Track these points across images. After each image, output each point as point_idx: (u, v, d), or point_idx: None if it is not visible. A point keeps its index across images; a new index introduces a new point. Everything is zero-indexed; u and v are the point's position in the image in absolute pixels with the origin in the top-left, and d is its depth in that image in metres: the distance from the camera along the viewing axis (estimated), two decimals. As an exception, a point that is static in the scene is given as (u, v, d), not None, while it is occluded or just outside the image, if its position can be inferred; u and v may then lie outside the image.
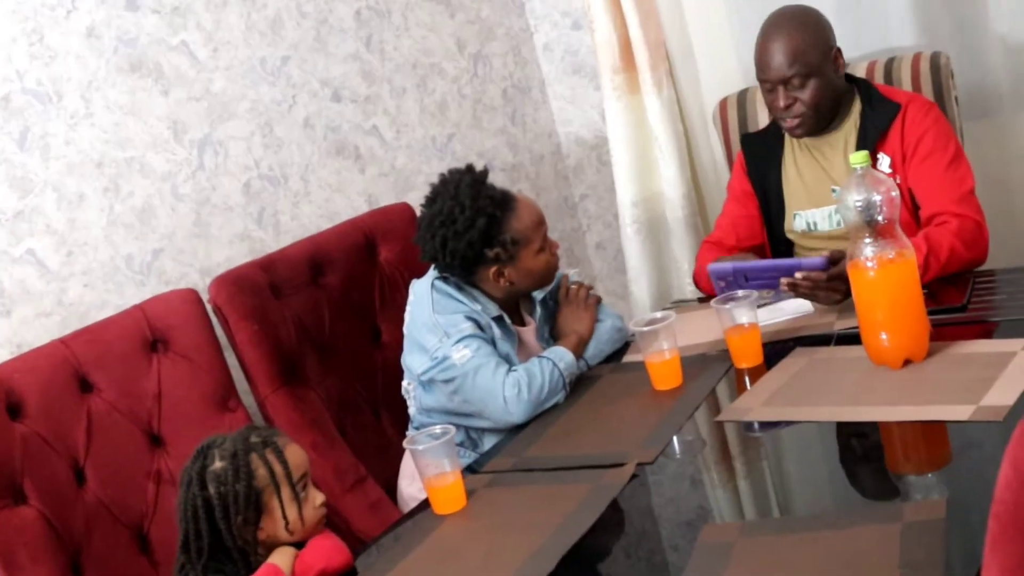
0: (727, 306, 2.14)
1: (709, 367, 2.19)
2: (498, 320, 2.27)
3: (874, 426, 1.82)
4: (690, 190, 3.30)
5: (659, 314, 2.20)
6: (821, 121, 2.46)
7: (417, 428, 2.31)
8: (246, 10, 2.78)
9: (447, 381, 2.20)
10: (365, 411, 2.62)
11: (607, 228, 3.69)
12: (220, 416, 2.36)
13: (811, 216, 2.54)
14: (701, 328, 2.36)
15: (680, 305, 2.76)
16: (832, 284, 2.21)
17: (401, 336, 2.35)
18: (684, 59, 3.30)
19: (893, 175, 2.41)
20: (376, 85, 3.09)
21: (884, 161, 2.43)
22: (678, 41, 3.28)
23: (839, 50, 2.46)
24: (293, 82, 2.88)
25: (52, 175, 2.40)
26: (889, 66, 2.75)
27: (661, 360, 2.13)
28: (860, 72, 2.71)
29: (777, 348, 2.18)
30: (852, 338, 2.07)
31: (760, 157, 2.63)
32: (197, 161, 2.65)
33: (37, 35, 2.40)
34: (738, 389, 2.09)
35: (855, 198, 1.88)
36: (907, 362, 1.94)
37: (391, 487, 2.44)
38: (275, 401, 2.43)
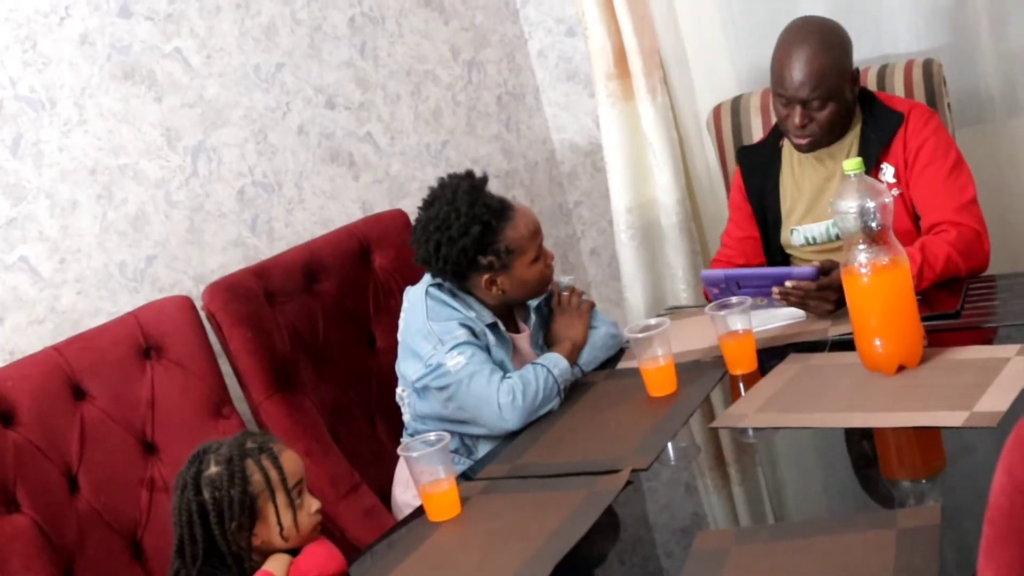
0: (721, 313, 2.14)
1: (703, 373, 2.19)
2: (492, 327, 2.27)
3: (868, 432, 1.82)
4: (684, 196, 3.30)
5: (653, 320, 2.20)
6: (831, 139, 2.45)
7: (411, 435, 2.30)
8: (240, 17, 2.78)
9: (441, 388, 2.20)
10: (359, 418, 2.62)
11: (601, 234, 3.69)
12: (214, 423, 2.35)
13: (809, 231, 2.53)
14: (695, 335, 2.36)
15: (674, 311, 2.76)
16: (822, 294, 2.21)
17: (395, 343, 2.35)
18: (678, 66, 3.30)
19: (897, 185, 2.41)
20: (370, 92, 3.09)
21: (888, 171, 2.42)
22: (672, 48, 3.29)
23: (858, 70, 2.45)
24: (287, 89, 2.88)
25: (45, 182, 2.40)
26: (882, 73, 2.76)
27: (655, 367, 2.13)
28: (853, 79, 2.71)
29: (771, 354, 2.18)
30: (846, 344, 2.07)
31: (757, 171, 2.62)
32: (191, 168, 2.65)
33: (30, 42, 2.39)
34: (732, 395, 2.09)
35: (849, 204, 1.88)
36: (901, 368, 1.94)
37: (385, 494, 2.43)
38: (269, 408, 2.43)
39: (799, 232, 2.54)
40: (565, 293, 2.40)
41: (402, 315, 2.33)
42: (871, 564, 1.41)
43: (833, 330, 2.21)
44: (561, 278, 2.45)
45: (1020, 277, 2.32)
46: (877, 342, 1.93)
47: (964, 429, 1.70)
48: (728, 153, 2.97)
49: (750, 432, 1.94)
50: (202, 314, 2.44)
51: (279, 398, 2.44)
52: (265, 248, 2.77)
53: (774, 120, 2.74)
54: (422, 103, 3.25)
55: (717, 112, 3.00)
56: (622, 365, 2.37)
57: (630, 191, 3.31)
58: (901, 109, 2.45)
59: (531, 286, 2.31)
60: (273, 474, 1.82)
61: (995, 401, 1.74)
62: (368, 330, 2.71)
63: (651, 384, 2.15)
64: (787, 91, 2.39)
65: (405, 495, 2.33)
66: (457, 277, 2.26)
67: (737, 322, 2.13)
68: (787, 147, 2.56)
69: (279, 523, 1.81)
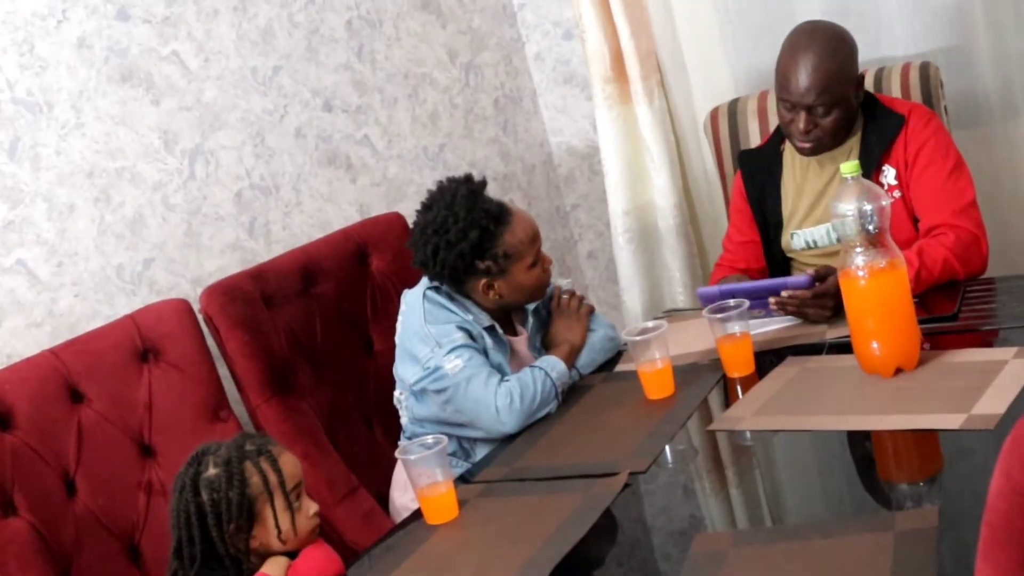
0: (719, 315, 2.14)
1: (701, 376, 2.19)
2: (490, 330, 2.27)
3: (866, 435, 1.82)
4: (681, 199, 3.30)
5: (651, 323, 2.20)
6: (834, 143, 2.45)
7: (409, 438, 2.30)
8: (237, 20, 2.78)
9: (439, 391, 2.20)
10: (357, 421, 2.62)
11: (599, 237, 3.69)
12: (211, 426, 2.35)
13: (810, 234, 2.53)
14: (693, 337, 2.36)
15: (672, 314, 2.76)
16: (818, 301, 2.22)
17: (393, 346, 2.35)
18: (675, 69, 3.31)
19: (898, 187, 2.41)
20: (367, 95, 3.09)
21: (889, 173, 2.42)
22: (669, 51, 3.29)
23: (863, 76, 2.45)
24: (284, 92, 2.88)
25: (42, 185, 2.39)
26: (879, 75, 2.76)
27: (653, 369, 2.13)
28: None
29: (769, 357, 2.18)
30: (843, 347, 2.07)
31: (758, 174, 2.62)
32: (188, 171, 2.65)
33: (27, 45, 2.39)
34: (730, 398, 2.10)
35: (846, 207, 1.88)
36: (898, 371, 1.94)
37: (383, 497, 2.43)
38: (266, 411, 2.42)
39: (800, 236, 2.54)
40: (565, 296, 2.40)
41: (400, 318, 2.33)
42: (869, 566, 1.41)
43: (831, 333, 2.21)
44: (559, 281, 2.45)
45: (1018, 280, 2.32)
46: (875, 345, 1.93)
47: (962, 431, 1.70)
48: (725, 156, 2.97)
49: (748, 435, 1.94)
50: (199, 317, 2.44)
51: (277, 401, 2.44)
52: (262, 251, 2.77)
53: (771, 123, 2.75)
54: (419, 106, 3.25)
55: (714, 115, 3.00)
56: (620, 368, 2.37)
57: (627, 194, 3.31)
58: (902, 111, 2.45)
59: (529, 291, 2.30)
60: (272, 477, 1.82)
61: (993, 404, 1.74)
62: (366, 333, 2.71)
63: (649, 387, 2.15)
64: (792, 96, 2.39)
65: (403, 498, 2.32)
66: (455, 281, 2.26)
67: (735, 325, 2.13)
68: (788, 150, 2.56)
69: (277, 526, 1.81)
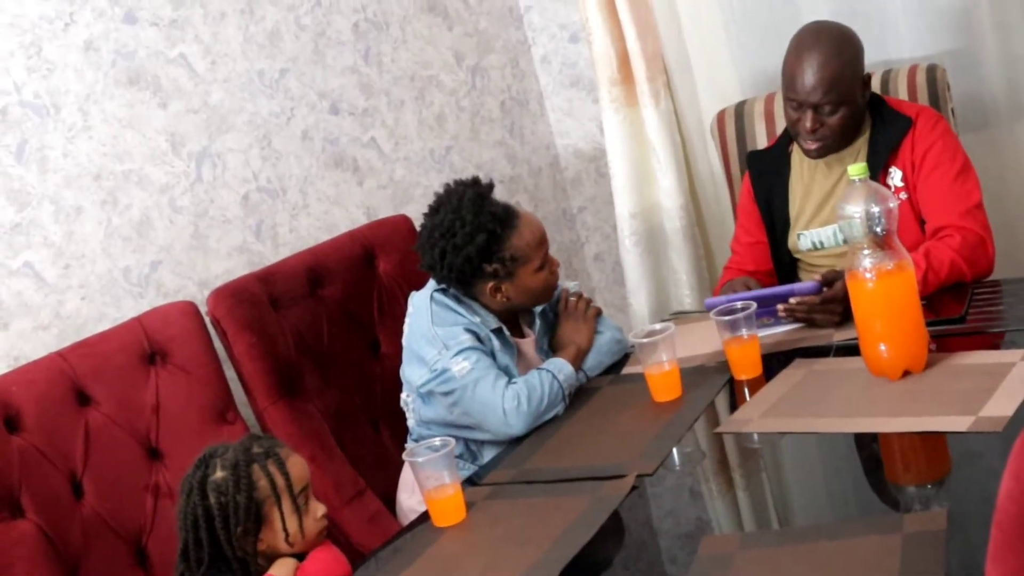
0: (726, 318, 2.13)
1: (708, 379, 2.19)
2: (497, 332, 2.27)
3: (874, 437, 1.82)
4: (688, 202, 3.30)
5: (658, 326, 2.20)
6: (841, 144, 2.45)
7: (416, 440, 2.30)
8: (244, 23, 2.78)
9: (446, 393, 2.20)
10: (364, 423, 2.62)
11: (605, 240, 3.69)
12: (218, 429, 2.35)
13: (817, 235, 2.53)
14: (700, 340, 2.36)
15: (679, 317, 2.76)
16: (827, 306, 2.22)
17: (400, 348, 2.35)
18: (682, 71, 3.30)
19: (905, 189, 2.41)
20: (374, 97, 3.10)
21: (896, 175, 2.42)
22: (676, 53, 3.29)
23: (869, 76, 2.45)
24: (291, 94, 2.88)
25: (50, 188, 2.40)
26: (886, 78, 2.76)
27: (660, 372, 2.13)
28: (857, 84, 2.71)
29: (776, 359, 2.18)
30: (851, 349, 2.06)
31: (766, 175, 2.62)
32: (195, 173, 2.65)
33: (35, 48, 2.40)
34: (737, 401, 2.09)
35: (854, 209, 1.88)
36: (906, 373, 1.93)
37: (390, 499, 2.43)
38: (273, 413, 2.43)
39: (806, 236, 2.54)
40: (572, 298, 2.40)
41: (407, 320, 2.33)
42: (876, 569, 1.40)
43: (838, 335, 2.21)
44: (566, 283, 2.45)
45: (1025, 282, 2.33)
46: (882, 347, 1.93)
47: (970, 434, 1.69)
48: (732, 158, 2.97)
49: (755, 437, 1.93)
50: (207, 319, 2.44)
51: (283, 404, 2.44)
52: (269, 253, 2.77)
53: (778, 125, 2.75)
54: (426, 109, 3.25)
55: (721, 117, 3.00)
56: (627, 370, 2.37)
57: (634, 196, 3.31)
58: (909, 113, 2.45)
59: (536, 294, 2.30)
60: (279, 480, 1.82)
61: (1001, 406, 1.73)
62: (372, 335, 2.71)
63: (656, 389, 2.14)
64: (799, 95, 2.39)
65: (410, 500, 2.32)
66: (462, 284, 2.26)
67: (742, 327, 2.13)
68: (796, 151, 2.56)
69: (284, 529, 1.81)
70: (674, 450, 1.95)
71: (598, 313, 2.41)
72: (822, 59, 2.36)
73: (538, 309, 2.39)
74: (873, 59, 2.86)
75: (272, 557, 1.83)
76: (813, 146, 2.43)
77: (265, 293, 2.51)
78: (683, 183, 3.28)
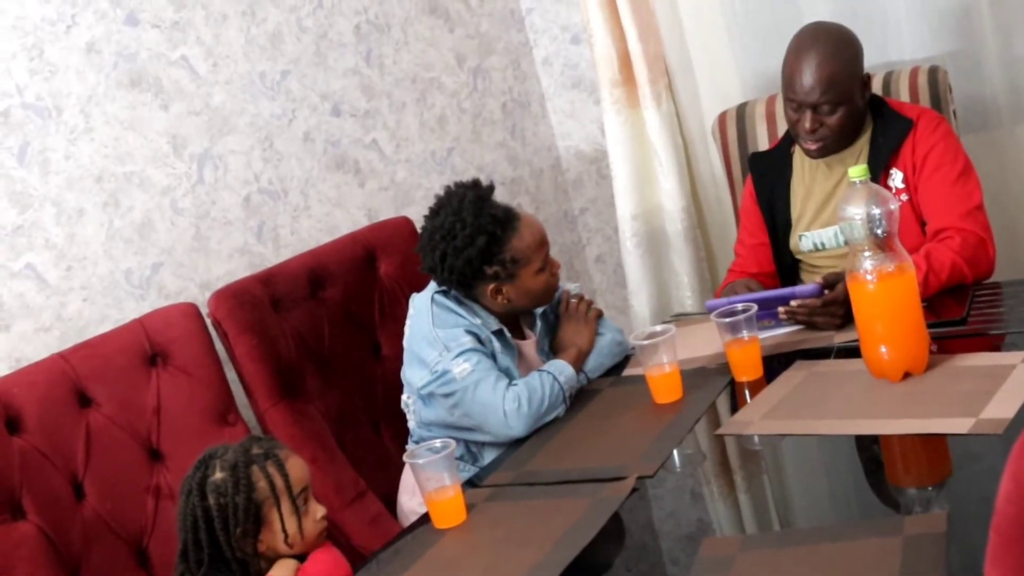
0: (727, 320, 2.13)
1: (709, 380, 2.19)
2: (498, 334, 2.27)
3: (874, 439, 1.82)
4: (689, 203, 3.30)
5: (659, 327, 2.20)
6: (842, 144, 2.45)
7: (417, 442, 2.30)
8: (246, 25, 2.79)
9: (447, 395, 2.20)
10: (365, 425, 2.62)
11: (607, 242, 3.69)
12: (219, 430, 2.35)
13: (818, 236, 2.53)
14: (701, 341, 2.36)
15: (680, 318, 2.76)
16: (828, 309, 2.22)
17: (401, 350, 2.35)
18: (683, 73, 3.30)
19: (906, 191, 2.41)
20: (376, 99, 3.10)
21: (897, 177, 2.42)
22: (677, 55, 3.29)
23: (869, 76, 2.45)
24: (293, 96, 2.88)
25: (52, 190, 2.40)
26: (887, 79, 2.76)
27: (661, 373, 2.13)
28: (858, 86, 2.71)
29: (777, 361, 2.18)
30: (852, 351, 2.06)
31: (768, 176, 2.62)
32: (197, 175, 2.65)
33: (37, 50, 2.40)
34: (738, 402, 2.09)
35: (854, 211, 1.88)
36: (907, 375, 1.93)
37: (391, 501, 2.43)
38: (274, 415, 2.43)
39: (808, 238, 2.54)
40: (573, 300, 2.40)
41: (408, 322, 2.33)
42: (877, 571, 1.40)
43: (839, 337, 2.21)
44: (567, 285, 2.45)
45: (1027, 284, 2.33)
46: (883, 349, 1.93)
47: (970, 436, 1.69)
48: (733, 160, 2.97)
49: (756, 439, 1.93)
50: (208, 321, 2.44)
51: (285, 405, 2.44)
52: (271, 255, 2.77)
53: (780, 127, 2.75)
54: (427, 110, 3.25)
55: (722, 119, 3.00)
56: (628, 372, 2.37)
57: (635, 198, 3.31)
58: (910, 115, 2.45)
59: (537, 295, 2.30)
60: (278, 481, 1.82)
61: (1001, 408, 1.73)
62: (374, 337, 2.71)
63: (657, 391, 2.14)
64: (798, 95, 2.39)
65: (411, 502, 2.33)
66: (463, 286, 2.26)
67: (743, 329, 2.13)
68: (798, 153, 2.57)
69: (283, 530, 1.82)
70: (675, 452, 1.95)
71: (599, 315, 2.41)
72: (820, 59, 2.36)
73: (539, 311, 2.39)
74: (875, 61, 2.87)
75: (272, 558, 1.84)
76: (813, 146, 2.44)
77: (266, 295, 2.52)
78: (684, 185, 3.28)
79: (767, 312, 2.26)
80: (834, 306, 2.21)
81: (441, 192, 2.31)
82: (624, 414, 2.15)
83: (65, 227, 2.42)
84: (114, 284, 2.48)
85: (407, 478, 2.37)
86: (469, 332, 2.22)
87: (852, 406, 1.91)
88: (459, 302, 2.28)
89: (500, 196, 2.33)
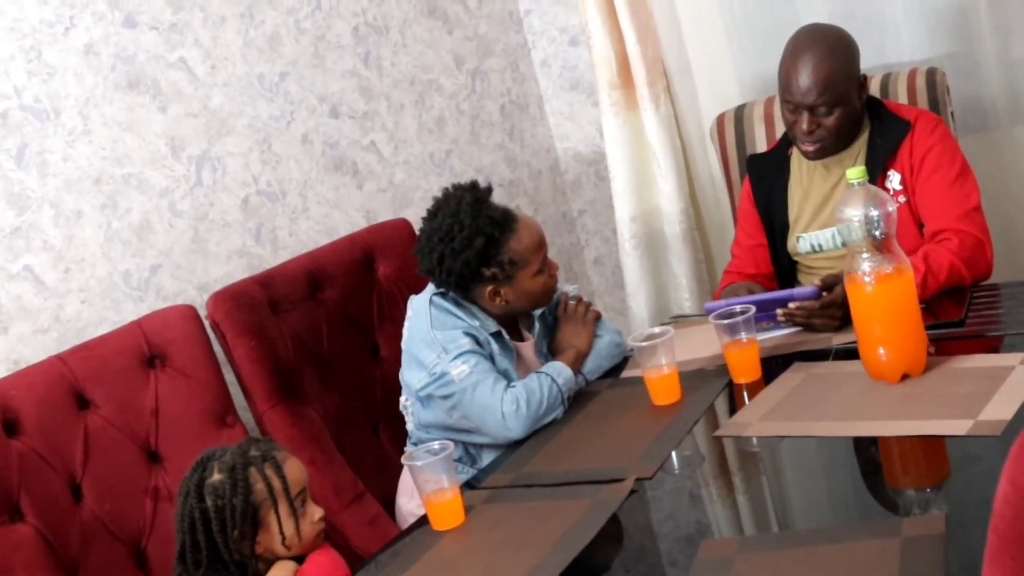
0: (725, 321, 2.13)
1: (707, 382, 2.19)
2: (496, 336, 2.27)
3: (873, 441, 1.82)
4: (688, 205, 3.30)
5: (657, 329, 2.20)
6: (839, 146, 2.45)
7: (415, 444, 2.30)
8: (244, 26, 2.79)
9: (445, 397, 2.20)
10: (363, 427, 2.62)
11: (605, 243, 3.69)
12: (218, 432, 2.35)
13: (815, 238, 2.53)
14: (699, 343, 2.36)
15: (678, 320, 2.76)
16: (827, 311, 2.22)
17: (399, 351, 2.35)
18: (681, 75, 3.31)
19: (903, 192, 2.41)
20: (374, 101, 3.10)
21: (895, 178, 2.42)
22: (675, 57, 3.29)
23: (865, 77, 2.46)
24: (291, 98, 2.88)
25: (50, 191, 2.40)
26: (885, 81, 2.76)
27: (659, 375, 2.13)
28: (856, 87, 2.72)
29: (775, 363, 2.18)
30: (850, 353, 2.06)
31: (766, 178, 2.62)
32: (195, 177, 2.65)
33: (35, 52, 2.40)
34: (737, 404, 2.09)
35: (852, 213, 1.88)
36: (905, 376, 1.93)
37: (389, 503, 2.43)
38: (273, 417, 2.43)
39: (805, 239, 2.54)
40: (571, 302, 2.40)
41: (406, 324, 2.33)
42: (876, 572, 1.40)
43: (837, 339, 2.21)
44: (565, 287, 2.45)
45: (1024, 285, 2.33)
46: (881, 351, 1.93)
47: (968, 437, 1.69)
48: (732, 162, 2.98)
49: (754, 441, 1.93)
50: (206, 323, 2.44)
51: (283, 407, 2.44)
52: (269, 257, 2.77)
53: (778, 129, 2.75)
54: (426, 112, 3.25)
55: (720, 121, 3.00)
56: (626, 374, 2.37)
57: (634, 200, 3.31)
58: (908, 117, 2.46)
59: (535, 297, 2.30)
60: (276, 483, 1.82)
61: (999, 410, 1.73)
62: (372, 339, 2.71)
63: (655, 393, 2.14)
64: (794, 97, 2.40)
65: (409, 504, 2.32)
66: (461, 288, 2.26)
67: (741, 331, 2.13)
68: (796, 154, 2.57)
69: (281, 532, 1.81)
70: (673, 453, 1.95)
71: (597, 317, 2.41)
72: (816, 60, 2.37)
73: (537, 313, 2.39)
74: (873, 62, 2.87)
75: (269, 560, 1.83)
76: (810, 148, 2.44)
77: (265, 297, 2.51)
78: (683, 187, 3.28)
79: (765, 314, 2.27)
80: (832, 308, 2.21)
81: (439, 194, 2.31)
82: (622, 416, 2.15)
83: (63, 229, 2.42)
84: (112, 286, 2.48)
85: (405, 480, 2.37)
86: (467, 334, 2.21)
87: (850, 408, 1.91)
88: (457, 304, 2.28)
89: (498, 198, 2.33)
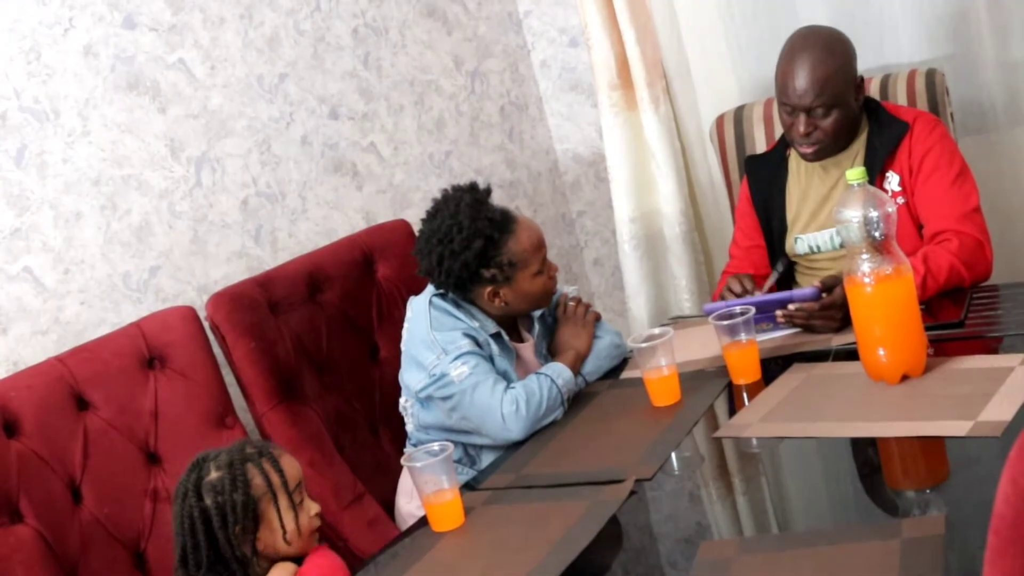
0: (725, 322, 2.13)
1: (707, 383, 2.19)
2: (496, 337, 2.27)
3: (872, 442, 1.82)
4: (687, 206, 3.30)
5: (657, 330, 2.20)
6: (837, 147, 2.45)
7: (415, 445, 2.30)
8: (243, 28, 2.79)
9: (445, 398, 2.20)
10: (363, 428, 2.62)
11: (605, 244, 3.69)
12: (217, 433, 2.35)
13: (813, 239, 2.53)
14: (699, 344, 2.36)
15: (678, 321, 2.76)
16: (826, 313, 2.22)
17: (399, 353, 2.35)
18: (681, 76, 3.31)
19: (902, 193, 2.41)
20: (373, 102, 3.10)
21: (893, 180, 2.43)
22: (675, 58, 3.29)
23: (863, 78, 2.46)
24: (290, 99, 2.88)
25: (49, 193, 2.40)
26: (885, 82, 2.76)
27: (659, 376, 2.13)
28: (856, 89, 2.72)
29: (775, 364, 2.18)
30: (850, 354, 2.07)
31: (764, 179, 2.62)
32: (194, 178, 2.65)
33: (35, 53, 2.40)
34: (736, 405, 2.09)
35: (852, 214, 1.88)
36: (905, 378, 1.93)
37: (389, 504, 2.43)
38: (273, 418, 2.42)
39: (803, 240, 2.55)
40: (571, 303, 2.40)
41: (405, 325, 2.33)
42: (875, 574, 1.40)
43: (837, 340, 2.21)
44: (564, 288, 2.45)
45: (1023, 287, 2.32)
46: (881, 352, 1.93)
47: (968, 439, 1.69)
48: (731, 163, 2.98)
49: (754, 442, 1.93)
50: (206, 324, 2.44)
51: (283, 408, 2.44)
52: (268, 258, 2.77)
53: (777, 130, 2.76)
54: (425, 113, 3.25)
55: (720, 122, 3.00)
56: (626, 375, 2.37)
57: (633, 201, 3.31)
58: (906, 118, 2.46)
59: (534, 298, 2.30)
60: (274, 477, 1.82)
61: (999, 411, 1.73)
62: (372, 340, 2.71)
63: (655, 394, 2.14)
64: (791, 99, 2.40)
65: (409, 505, 2.32)
66: (460, 289, 2.26)
67: (741, 331, 2.13)
68: (794, 156, 2.57)
69: (282, 526, 1.82)
70: (673, 454, 1.95)
71: (597, 318, 2.41)
72: (812, 62, 2.37)
73: (537, 314, 2.39)
74: (872, 64, 2.87)
75: (271, 557, 1.84)
76: (808, 150, 2.44)
77: (264, 298, 2.51)
78: (682, 188, 3.28)
79: (765, 315, 2.27)
80: (832, 309, 2.21)
81: (438, 195, 2.31)
82: (622, 417, 2.15)
83: (63, 230, 2.42)
84: (112, 287, 2.48)
85: (405, 481, 2.37)
86: (467, 335, 2.22)
87: (850, 409, 1.91)
88: (457, 305, 2.28)
89: (498, 199, 2.33)
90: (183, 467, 1.92)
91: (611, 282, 3.71)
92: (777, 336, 2.31)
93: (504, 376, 2.22)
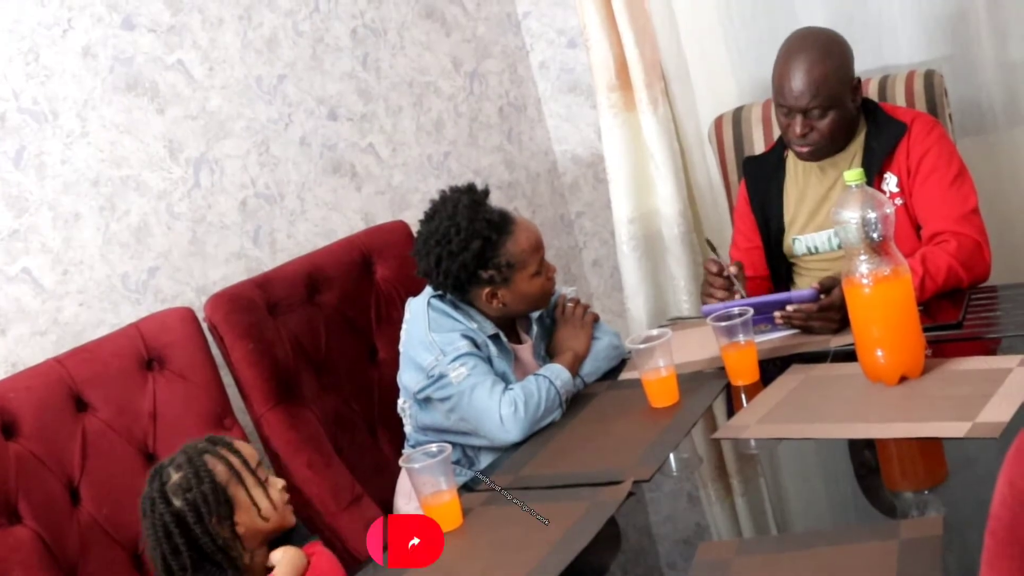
0: (723, 323, 2.14)
1: (706, 384, 2.19)
2: (494, 338, 2.27)
3: (871, 443, 1.82)
4: (686, 207, 3.30)
5: (655, 331, 2.20)
6: (834, 148, 2.46)
7: (413, 446, 2.30)
8: (242, 29, 2.79)
9: (443, 399, 2.20)
10: (361, 429, 2.62)
11: (603, 245, 3.69)
12: (216, 434, 2.35)
13: (811, 240, 2.54)
14: (697, 345, 2.36)
15: (677, 322, 2.76)
16: (824, 314, 2.22)
17: (397, 354, 2.35)
18: (680, 77, 3.31)
19: (900, 194, 2.41)
20: (372, 103, 3.10)
21: (891, 180, 2.43)
22: (674, 59, 3.30)
23: (860, 80, 2.46)
24: (289, 100, 2.88)
25: (48, 194, 2.40)
26: (883, 83, 2.76)
27: (657, 377, 2.13)
28: (854, 90, 2.72)
29: (773, 365, 2.18)
30: (848, 355, 2.07)
31: (762, 180, 2.63)
32: (193, 179, 2.65)
33: (33, 54, 2.40)
34: (735, 406, 2.09)
35: (850, 215, 1.88)
36: (903, 379, 1.94)
37: (387, 505, 2.43)
38: (271, 419, 2.42)
39: (801, 241, 2.55)
40: (569, 304, 2.40)
41: (404, 326, 2.33)
42: (874, 575, 1.40)
43: (835, 341, 2.21)
44: (563, 289, 2.45)
45: (1022, 288, 2.32)
46: (879, 353, 1.93)
47: (966, 440, 1.70)
48: (729, 164, 2.98)
49: (752, 443, 1.93)
50: (204, 325, 2.44)
51: (281, 409, 2.44)
52: (267, 259, 2.77)
53: (775, 131, 2.76)
54: (424, 114, 3.25)
55: (718, 123, 3.00)
56: (624, 376, 2.37)
57: (632, 202, 3.31)
58: (904, 119, 2.46)
59: (532, 300, 2.31)
60: (234, 460, 1.85)
61: (997, 412, 1.73)
62: (370, 341, 2.71)
63: (653, 395, 2.14)
64: (787, 100, 2.40)
65: (407, 506, 2.32)
66: (458, 290, 2.26)
67: (739, 333, 2.13)
68: (792, 156, 2.57)
69: (255, 504, 1.83)
70: (671, 456, 1.95)
71: (595, 319, 2.42)
72: (809, 63, 2.37)
73: (535, 315, 2.39)
74: (871, 65, 2.88)
75: (253, 539, 1.84)
76: (804, 151, 2.44)
77: (263, 299, 2.51)
78: (681, 189, 3.28)
79: (763, 316, 2.27)
80: (830, 311, 2.21)
81: (437, 196, 2.31)
82: (620, 418, 2.15)
83: (61, 231, 2.41)
84: (110, 288, 2.48)
85: (403, 482, 2.37)
86: (465, 336, 2.22)
87: (848, 410, 1.91)
88: (455, 306, 2.28)
89: (496, 200, 2.33)
90: (182, 467, 1.93)
91: (610, 283, 3.71)
92: (775, 337, 2.31)
93: (502, 377, 2.22)
